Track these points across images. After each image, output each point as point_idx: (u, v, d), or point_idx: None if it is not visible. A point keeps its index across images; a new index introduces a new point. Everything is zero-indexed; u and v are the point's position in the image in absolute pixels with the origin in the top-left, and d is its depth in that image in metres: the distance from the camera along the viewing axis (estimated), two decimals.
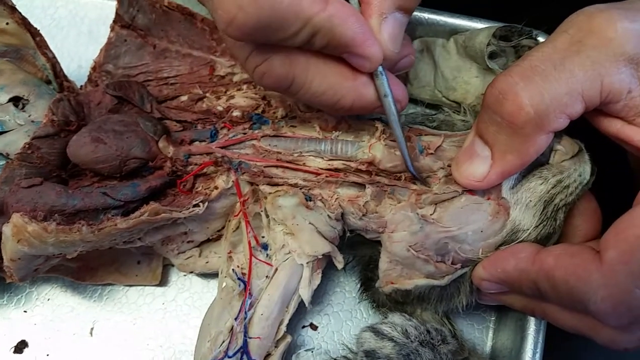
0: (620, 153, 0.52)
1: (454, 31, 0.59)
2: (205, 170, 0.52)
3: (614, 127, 0.43)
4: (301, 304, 0.53)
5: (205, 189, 0.52)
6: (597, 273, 0.40)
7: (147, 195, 0.51)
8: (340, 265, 0.53)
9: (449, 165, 0.49)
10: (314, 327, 0.57)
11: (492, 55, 0.56)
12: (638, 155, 0.44)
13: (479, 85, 0.57)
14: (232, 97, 0.56)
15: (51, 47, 0.57)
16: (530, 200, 0.47)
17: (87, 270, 0.57)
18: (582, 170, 0.47)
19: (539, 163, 0.48)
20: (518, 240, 0.47)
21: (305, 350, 0.56)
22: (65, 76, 0.58)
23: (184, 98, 0.57)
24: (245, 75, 0.57)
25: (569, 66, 0.40)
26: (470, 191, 0.48)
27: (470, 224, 0.47)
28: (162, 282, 0.58)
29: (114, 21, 0.56)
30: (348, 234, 0.53)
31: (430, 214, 0.48)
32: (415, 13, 0.59)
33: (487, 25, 0.58)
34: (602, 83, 0.40)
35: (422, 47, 0.60)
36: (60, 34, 0.66)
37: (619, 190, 0.47)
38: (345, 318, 0.58)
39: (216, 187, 0.52)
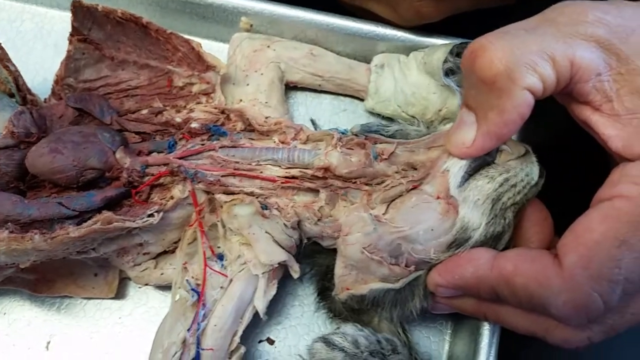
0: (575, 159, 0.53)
1: (414, 47, 0.60)
2: (162, 180, 0.52)
3: (585, 114, 0.43)
4: (258, 317, 0.53)
5: (161, 199, 0.52)
6: (558, 278, 0.41)
7: (102, 205, 0.51)
8: (296, 275, 0.53)
9: (403, 169, 0.50)
10: (270, 342, 0.57)
11: (450, 72, 0.57)
12: (604, 147, 0.43)
13: (437, 101, 0.58)
14: (192, 110, 0.57)
15: (16, 60, 0.57)
16: (478, 199, 0.47)
17: (44, 283, 0.56)
18: (530, 171, 0.48)
19: (486, 163, 0.48)
20: (469, 239, 0.47)
21: None
22: (28, 89, 0.58)
23: (145, 111, 0.57)
24: (204, 86, 0.57)
25: (540, 32, 0.41)
26: (415, 184, 0.48)
27: (421, 223, 0.47)
28: (119, 296, 0.58)
29: (71, 34, 0.56)
30: (305, 242, 0.53)
31: (383, 214, 0.49)
32: (375, 28, 0.60)
33: (445, 42, 0.59)
34: (574, 56, 0.40)
35: (383, 62, 0.61)
36: (26, 47, 0.66)
37: (571, 197, 0.47)
38: (302, 332, 0.57)
39: (172, 197, 0.52)
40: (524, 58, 0.40)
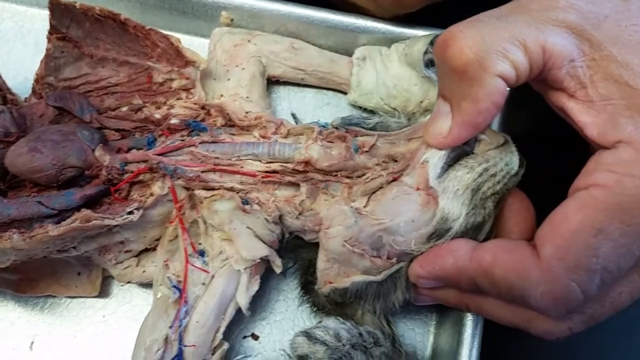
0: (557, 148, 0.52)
1: (395, 39, 0.60)
2: (141, 177, 0.52)
3: (561, 100, 0.42)
4: (242, 313, 0.52)
5: (140, 197, 0.52)
6: (536, 269, 0.41)
7: (82, 203, 0.50)
8: (278, 270, 0.52)
9: (384, 161, 0.50)
10: (255, 337, 0.57)
11: (431, 63, 0.56)
12: (581, 135, 0.43)
13: (419, 92, 0.58)
14: (172, 106, 0.56)
15: None
16: (458, 189, 0.47)
17: (27, 282, 0.56)
18: (509, 160, 0.48)
19: (465, 153, 0.48)
20: (449, 230, 0.47)
21: (244, 358, 0.56)
22: (8, 89, 0.58)
23: (125, 108, 0.57)
24: (184, 82, 0.57)
25: (512, 19, 0.41)
26: (395, 176, 0.48)
27: (401, 214, 0.47)
28: (103, 294, 0.58)
29: (49, 32, 0.56)
30: (287, 236, 0.53)
31: (364, 206, 0.48)
32: (356, 21, 0.60)
33: (426, 33, 0.58)
34: (546, 42, 0.40)
35: (365, 55, 0.60)
36: (6, 46, 0.66)
37: (554, 187, 0.47)
38: (287, 327, 0.57)
39: (152, 194, 0.51)
40: (494, 45, 0.40)
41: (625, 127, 0.39)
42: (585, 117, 0.40)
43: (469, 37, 0.40)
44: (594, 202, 0.39)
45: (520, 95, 0.50)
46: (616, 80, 0.39)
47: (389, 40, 0.60)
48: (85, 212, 0.48)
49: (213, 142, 0.53)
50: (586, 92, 0.40)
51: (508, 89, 0.41)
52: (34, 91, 0.58)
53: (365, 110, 0.62)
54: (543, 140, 0.59)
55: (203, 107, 0.56)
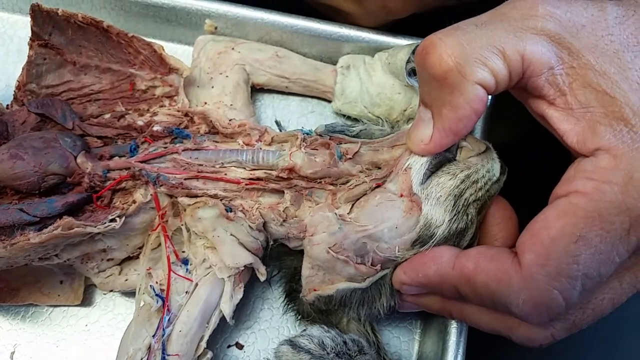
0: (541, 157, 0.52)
1: (379, 48, 0.60)
2: (124, 185, 0.52)
3: (541, 108, 0.42)
4: (226, 321, 0.52)
5: (123, 204, 0.51)
6: (517, 277, 0.41)
7: (63, 211, 0.50)
8: (262, 278, 0.52)
9: (367, 169, 0.50)
10: (239, 346, 0.56)
11: (413, 72, 0.57)
12: (562, 143, 0.43)
13: (402, 101, 0.58)
14: (155, 114, 0.56)
15: None
16: (441, 195, 0.47)
17: (8, 291, 0.55)
18: (491, 167, 0.48)
19: (447, 159, 0.48)
20: (432, 236, 0.47)
21: None
22: None
23: (107, 116, 0.56)
24: (167, 89, 0.57)
25: (491, 27, 0.41)
26: (378, 183, 0.48)
27: (385, 221, 0.47)
28: (86, 303, 0.57)
29: (31, 39, 0.56)
30: (272, 244, 0.53)
31: (348, 213, 0.48)
32: (340, 30, 0.60)
33: (410, 42, 0.59)
34: (524, 50, 0.40)
35: (349, 63, 0.61)
36: None
37: (538, 195, 0.47)
38: (272, 336, 0.57)
39: (134, 201, 0.51)
40: (473, 53, 0.40)
41: (603, 134, 0.39)
42: (565, 124, 0.41)
43: (448, 45, 0.41)
44: (574, 209, 0.39)
45: (502, 104, 0.50)
46: (594, 88, 0.39)
47: (373, 49, 0.61)
48: (67, 219, 0.48)
49: (196, 149, 0.53)
50: (565, 99, 0.40)
51: (489, 96, 0.42)
52: (15, 98, 0.58)
53: (349, 118, 0.62)
54: (524, 148, 0.59)
55: (186, 115, 0.56)
